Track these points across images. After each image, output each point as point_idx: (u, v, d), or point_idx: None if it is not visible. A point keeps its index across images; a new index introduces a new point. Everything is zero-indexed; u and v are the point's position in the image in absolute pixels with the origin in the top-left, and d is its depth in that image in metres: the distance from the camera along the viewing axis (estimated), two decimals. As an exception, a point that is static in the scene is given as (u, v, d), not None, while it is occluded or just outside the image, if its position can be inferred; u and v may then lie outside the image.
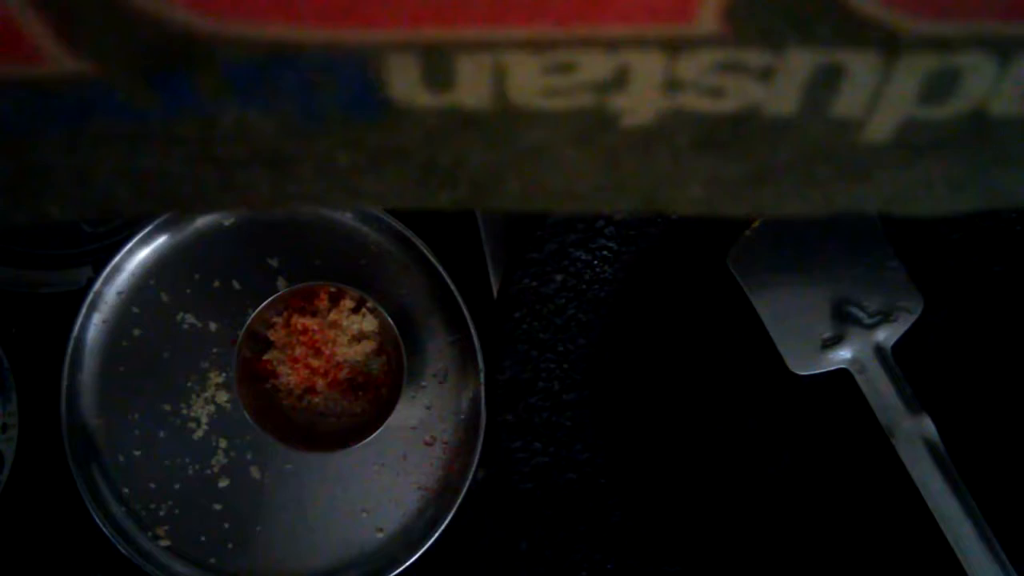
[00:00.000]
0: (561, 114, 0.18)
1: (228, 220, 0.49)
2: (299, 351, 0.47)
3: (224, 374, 0.48)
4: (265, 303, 0.45)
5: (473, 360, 0.47)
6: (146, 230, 0.48)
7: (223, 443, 0.48)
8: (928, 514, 0.40)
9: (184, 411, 0.48)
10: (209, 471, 0.48)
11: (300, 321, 0.47)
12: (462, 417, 0.48)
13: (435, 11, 0.16)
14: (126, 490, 0.47)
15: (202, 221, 0.49)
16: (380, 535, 0.48)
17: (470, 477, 0.46)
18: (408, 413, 0.48)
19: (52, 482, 0.47)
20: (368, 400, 0.47)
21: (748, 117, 0.18)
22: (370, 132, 0.19)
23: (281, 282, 0.48)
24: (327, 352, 0.47)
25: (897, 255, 0.43)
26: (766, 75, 0.17)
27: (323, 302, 0.47)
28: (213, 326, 0.48)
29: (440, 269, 0.47)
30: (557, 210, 0.20)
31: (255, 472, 0.48)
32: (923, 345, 0.43)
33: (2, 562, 0.48)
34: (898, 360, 0.42)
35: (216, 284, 0.48)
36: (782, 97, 0.18)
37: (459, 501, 0.46)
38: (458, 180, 0.20)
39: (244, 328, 0.45)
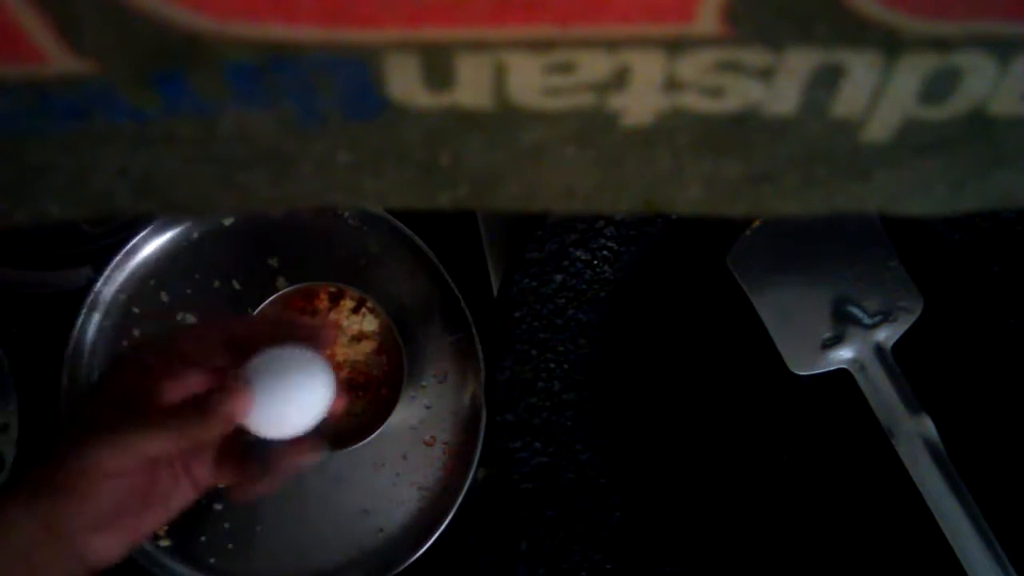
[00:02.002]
0: (561, 114, 0.18)
1: (228, 220, 0.49)
2: (299, 351, 0.47)
3: (224, 374, 0.48)
4: (265, 303, 0.45)
5: (473, 360, 0.47)
6: (146, 230, 0.48)
7: (223, 443, 0.48)
8: (928, 514, 0.40)
9: (184, 411, 0.48)
10: (209, 471, 0.48)
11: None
12: (462, 417, 0.48)
13: (435, 11, 0.16)
14: (126, 490, 0.47)
15: (202, 221, 0.49)
16: (380, 535, 0.48)
17: (470, 477, 0.46)
18: (408, 413, 0.48)
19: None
20: (368, 400, 0.47)
21: (748, 117, 0.18)
22: (370, 132, 0.19)
23: (281, 282, 0.48)
24: (327, 352, 0.47)
25: (897, 255, 0.43)
26: (766, 75, 0.17)
27: (323, 302, 0.47)
28: (213, 326, 0.48)
29: (440, 269, 0.47)
30: (557, 210, 0.20)
31: (255, 472, 0.48)
32: (923, 345, 0.43)
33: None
34: (898, 360, 0.42)
35: (216, 284, 0.48)
36: (782, 97, 0.18)
37: (459, 501, 0.46)
38: (458, 180, 0.20)
39: (244, 328, 0.45)
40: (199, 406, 0.33)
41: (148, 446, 0.32)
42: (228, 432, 0.34)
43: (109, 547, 0.33)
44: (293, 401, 0.34)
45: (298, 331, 0.36)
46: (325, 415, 0.35)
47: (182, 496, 0.35)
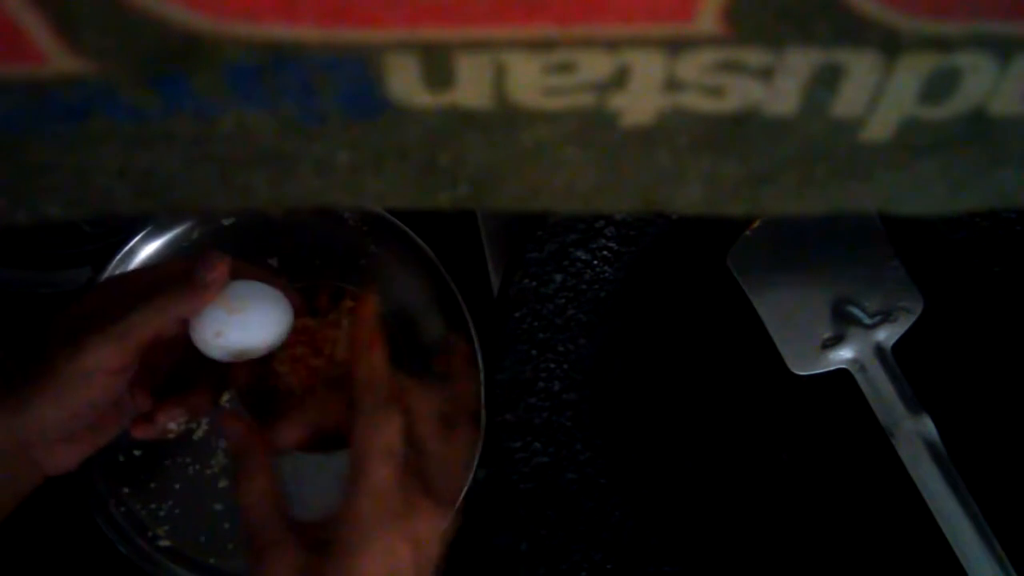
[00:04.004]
0: (561, 114, 0.18)
1: (228, 220, 0.49)
2: (299, 351, 0.47)
3: (224, 374, 0.48)
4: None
5: (473, 360, 0.47)
6: (146, 230, 0.48)
7: (223, 443, 0.48)
8: (928, 514, 0.40)
9: (184, 411, 0.48)
10: (209, 471, 0.48)
11: (300, 321, 0.47)
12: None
13: (435, 11, 0.16)
14: (126, 490, 0.47)
15: (202, 221, 0.49)
16: (380, 535, 0.48)
17: (470, 477, 0.46)
18: (408, 413, 0.48)
19: (52, 482, 0.47)
20: (368, 400, 0.47)
21: (748, 117, 0.18)
22: (370, 132, 0.19)
23: (281, 282, 0.48)
24: (327, 352, 0.47)
25: (897, 255, 0.43)
26: (766, 75, 0.17)
27: (323, 302, 0.47)
28: (213, 326, 0.48)
29: (440, 269, 0.47)
30: (557, 210, 0.21)
31: (255, 472, 0.48)
32: (923, 345, 0.43)
33: (2, 562, 0.48)
34: (898, 360, 0.42)
35: (216, 284, 0.48)
36: (782, 97, 0.18)
37: (459, 501, 0.46)
38: (458, 180, 0.20)
39: (244, 328, 0.45)
40: (180, 281, 0.34)
41: (146, 326, 0.33)
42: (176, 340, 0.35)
43: (65, 458, 0.34)
44: (247, 322, 0.35)
45: (266, 277, 0.38)
46: (276, 343, 0.37)
47: (126, 416, 0.36)
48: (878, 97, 0.18)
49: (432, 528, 0.33)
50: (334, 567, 0.31)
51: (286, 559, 0.32)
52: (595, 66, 0.17)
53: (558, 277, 0.45)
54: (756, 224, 0.44)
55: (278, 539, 0.33)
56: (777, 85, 0.18)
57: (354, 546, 0.31)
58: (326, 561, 0.31)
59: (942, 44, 0.17)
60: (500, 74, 0.17)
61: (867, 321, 0.43)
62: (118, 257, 0.47)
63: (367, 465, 0.32)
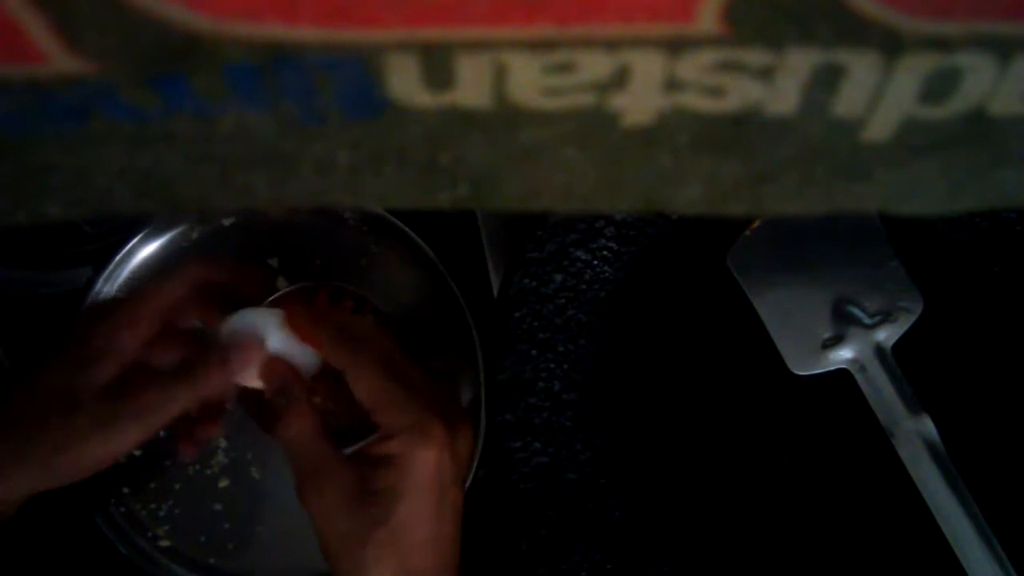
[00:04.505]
0: (561, 114, 0.18)
1: (228, 220, 0.49)
2: (299, 351, 0.47)
3: (224, 374, 0.48)
4: (265, 303, 0.45)
5: (473, 360, 0.47)
6: (146, 230, 0.48)
7: (223, 443, 0.48)
8: (928, 514, 0.40)
9: (184, 411, 0.48)
10: (209, 471, 0.48)
11: (300, 321, 0.47)
12: (462, 417, 0.48)
13: (435, 11, 0.16)
14: (126, 490, 0.47)
15: (202, 221, 0.49)
16: (380, 535, 0.48)
17: (470, 477, 0.46)
18: (408, 413, 0.48)
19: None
20: (368, 400, 0.47)
21: (748, 117, 0.18)
22: (370, 132, 0.19)
23: (281, 282, 0.48)
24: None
25: (897, 255, 0.43)
26: (766, 75, 0.17)
27: (323, 302, 0.47)
28: (213, 326, 0.48)
29: (440, 269, 0.47)
30: (557, 210, 0.21)
31: (255, 472, 0.48)
32: (923, 345, 0.43)
33: (3, 563, 0.48)
34: (898, 360, 0.42)
35: (216, 284, 0.48)
36: (782, 97, 0.18)
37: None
38: (458, 180, 0.20)
39: (244, 328, 0.45)
40: (190, 373, 0.35)
41: (176, 409, 0.34)
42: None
43: (74, 476, 0.35)
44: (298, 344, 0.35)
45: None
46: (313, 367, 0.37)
47: None
48: (878, 97, 0.18)
49: (464, 436, 0.34)
50: (381, 482, 0.32)
51: (334, 481, 0.33)
52: (595, 66, 0.17)
53: (558, 277, 0.45)
54: (756, 224, 0.44)
55: (324, 465, 0.33)
56: (777, 85, 0.18)
57: (398, 456, 0.32)
58: (374, 477, 0.32)
59: (942, 44, 0.17)
60: (500, 74, 0.17)
61: (867, 321, 0.43)
62: (118, 257, 0.47)
63: (377, 384, 0.33)
